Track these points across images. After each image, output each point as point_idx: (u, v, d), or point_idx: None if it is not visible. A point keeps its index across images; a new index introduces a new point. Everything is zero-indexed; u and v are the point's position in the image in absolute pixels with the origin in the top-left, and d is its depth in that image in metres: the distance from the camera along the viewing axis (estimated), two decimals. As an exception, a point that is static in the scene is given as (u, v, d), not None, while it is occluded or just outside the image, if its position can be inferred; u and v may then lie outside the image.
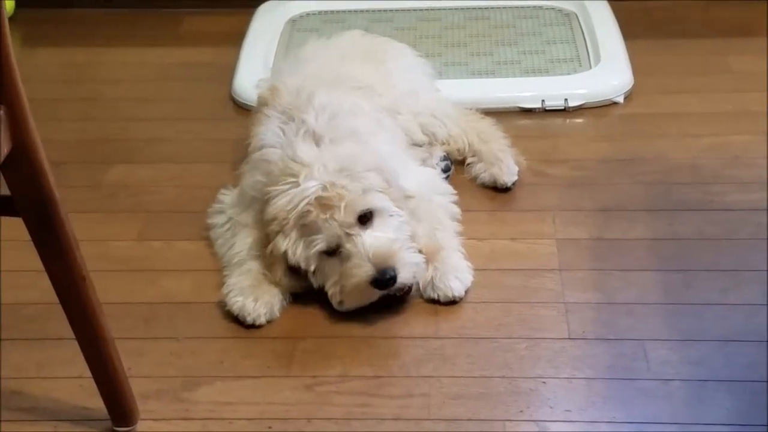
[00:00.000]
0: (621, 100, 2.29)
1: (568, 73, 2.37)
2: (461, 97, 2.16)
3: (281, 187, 1.66)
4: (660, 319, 1.64)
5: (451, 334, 1.63)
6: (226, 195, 1.88)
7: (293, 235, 1.64)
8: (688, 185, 1.98)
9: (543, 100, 2.26)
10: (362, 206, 1.64)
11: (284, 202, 1.64)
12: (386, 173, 1.71)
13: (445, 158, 2.01)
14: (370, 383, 1.54)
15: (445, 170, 1.98)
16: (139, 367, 1.56)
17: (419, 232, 1.72)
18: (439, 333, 1.64)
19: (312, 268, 1.65)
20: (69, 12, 2.84)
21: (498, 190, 1.98)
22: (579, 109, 2.27)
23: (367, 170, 1.68)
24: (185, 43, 2.67)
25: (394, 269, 1.61)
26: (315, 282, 1.68)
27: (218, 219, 1.85)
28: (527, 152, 2.10)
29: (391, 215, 1.68)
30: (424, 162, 1.97)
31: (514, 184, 1.98)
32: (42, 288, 1.41)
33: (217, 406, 1.51)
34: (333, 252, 1.64)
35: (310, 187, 1.63)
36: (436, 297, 1.68)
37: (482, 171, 2.00)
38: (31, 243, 1.27)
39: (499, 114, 2.19)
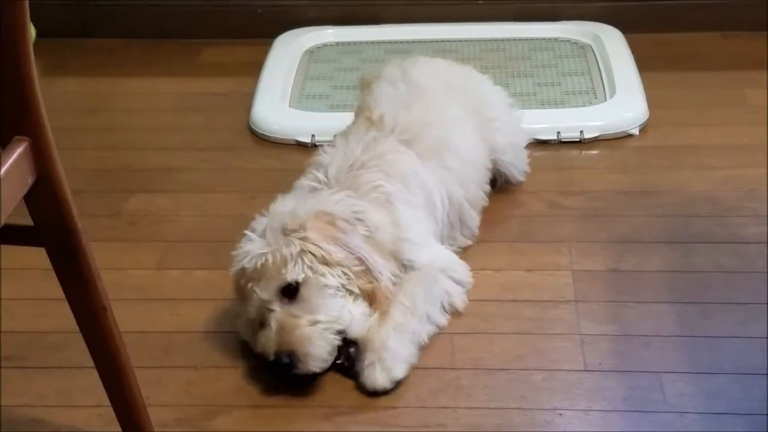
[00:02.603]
0: (636, 132, 2.30)
1: (584, 105, 2.39)
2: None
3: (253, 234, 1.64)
4: (676, 351, 1.64)
5: (467, 365, 1.64)
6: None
7: (236, 295, 1.65)
8: (705, 218, 1.98)
9: (558, 132, 2.27)
10: (284, 280, 1.57)
11: (239, 254, 1.62)
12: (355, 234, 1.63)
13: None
14: (386, 413, 1.54)
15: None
16: (157, 395, 1.57)
17: (356, 313, 1.60)
18: (455, 364, 1.64)
19: (241, 330, 1.66)
20: (88, 42, 2.87)
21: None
22: (594, 141, 2.28)
23: (310, 230, 1.59)
24: (203, 73, 2.70)
25: (291, 356, 1.53)
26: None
27: None
28: (543, 183, 2.12)
29: (326, 288, 1.58)
30: None
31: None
32: (63, 316, 1.41)
33: (234, 436, 1.52)
34: (259, 321, 1.60)
35: (254, 249, 1.59)
36: (362, 384, 1.57)
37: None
38: (53, 272, 1.28)
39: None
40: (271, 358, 1.56)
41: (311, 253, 1.59)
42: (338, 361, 1.59)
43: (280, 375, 1.56)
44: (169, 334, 1.72)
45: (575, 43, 2.66)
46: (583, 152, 2.26)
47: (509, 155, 2.04)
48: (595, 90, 2.44)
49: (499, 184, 2.08)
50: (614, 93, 2.39)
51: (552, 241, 1.94)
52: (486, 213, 2.00)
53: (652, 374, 1.59)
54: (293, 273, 1.57)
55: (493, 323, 1.72)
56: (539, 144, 2.27)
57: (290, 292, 1.58)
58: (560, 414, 1.53)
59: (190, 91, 2.61)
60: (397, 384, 1.57)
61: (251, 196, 2.10)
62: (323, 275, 1.59)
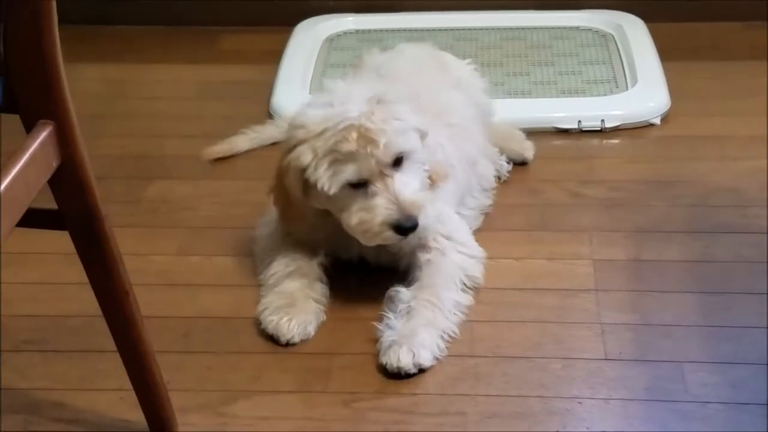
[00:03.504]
0: (658, 121, 2.29)
1: (605, 94, 2.38)
2: (497, 117, 2.16)
3: (314, 103, 1.64)
4: (698, 341, 1.63)
5: (486, 352, 1.63)
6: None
7: (320, 152, 1.59)
8: (726, 208, 1.97)
9: (579, 121, 2.26)
10: (401, 148, 1.61)
11: (319, 115, 1.61)
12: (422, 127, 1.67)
13: None
14: (406, 400, 1.54)
15: None
16: (178, 380, 1.57)
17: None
18: (474, 351, 1.64)
19: (332, 191, 1.60)
20: (109, 29, 2.88)
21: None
22: (615, 131, 2.27)
23: (404, 107, 1.63)
24: (223, 60, 2.70)
25: (416, 218, 1.60)
26: (331, 207, 1.65)
27: (263, 231, 1.85)
28: (563, 173, 2.11)
29: (420, 164, 1.65)
30: None
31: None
32: (85, 300, 1.42)
33: (254, 421, 1.52)
34: (358, 185, 1.61)
35: (352, 110, 1.60)
36: (384, 363, 1.58)
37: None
38: (75, 256, 1.29)
39: (535, 134, 2.20)
40: (392, 220, 1.59)
41: (417, 127, 1.64)
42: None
43: (400, 236, 1.62)
44: (190, 320, 1.73)
45: (596, 32, 2.65)
46: (604, 141, 2.25)
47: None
48: (617, 79, 2.43)
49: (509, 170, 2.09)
50: (636, 82, 2.38)
51: (573, 231, 1.93)
52: (506, 201, 2.01)
53: (673, 364, 1.58)
54: (408, 142, 1.62)
55: (513, 311, 1.72)
56: (560, 133, 2.26)
57: (398, 161, 1.61)
58: (580, 402, 1.52)
59: (209, 79, 2.61)
60: (419, 372, 1.57)
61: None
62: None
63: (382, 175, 1.60)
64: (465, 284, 1.73)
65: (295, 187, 1.65)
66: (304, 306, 1.69)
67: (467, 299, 1.71)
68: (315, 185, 1.62)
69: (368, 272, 1.80)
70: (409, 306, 1.65)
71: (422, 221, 1.61)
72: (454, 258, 1.74)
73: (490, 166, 2.02)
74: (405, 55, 2.03)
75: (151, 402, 1.42)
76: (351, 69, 2.09)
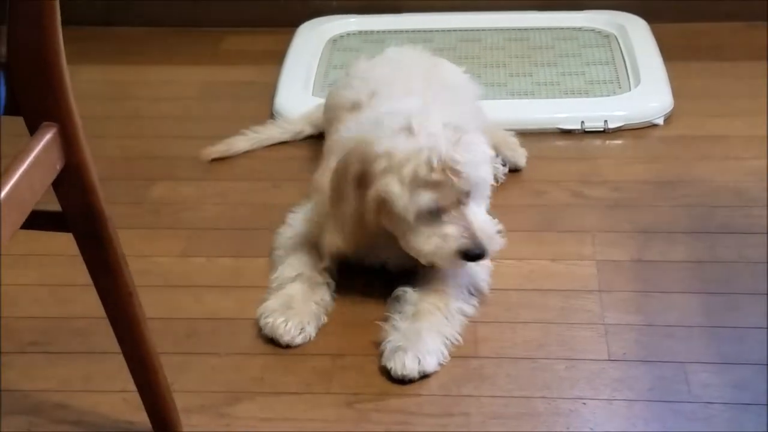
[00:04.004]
0: (661, 122, 2.29)
1: (608, 95, 2.37)
2: (500, 118, 2.17)
3: (388, 125, 1.65)
4: (701, 341, 1.63)
5: (490, 353, 1.63)
6: (295, 213, 1.88)
7: (406, 181, 1.61)
8: (730, 208, 1.97)
9: (582, 122, 2.26)
10: (479, 178, 1.64)
11: (404, 146, 1.62)
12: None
13: None
14: (409, 401, 1.55)
15: None
16: (181, 381, 1.57)
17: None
18: (478, 352, 1.64)
19: (410, 218, 1.62)
20: (111, 30, 2.88)
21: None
22: (618, 131, 2.27)
23: (480, 136, 1.67)
24: (226, 61, 2.70)
25: (487, 247, 1.63)
26: (398, 229, 1.66)
27: (284, 235, 1.84)
28: (566, 173, 2.11)
29: (486, 195, 1.70)
30: None
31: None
32: (88, 302, 1.43)
33: (257, 422, 1.52)
34: (431, 213, 1.63)
35: (439, 142, 1.61)
36: (389, 368, 1.58)
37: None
38: (79, 257, 1.29)
39: (538, 135, 2.21)
40: (464, 247, 1.62)
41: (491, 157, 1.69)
42: None
43: (466, 262, 1.65)
44: (194, 321, 1.73)
45: (599, 32, 2.65)
46: (607, 142, 2.25)
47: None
48: (620, 79, 2.43)
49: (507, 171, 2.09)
50: (639, 83, 2.38)
51: (576, 231, 1.93)
52: (508, 202, 2.00)
53: (676, 364, 1.58)
54: (486, 173, 1.66)
55: (516, 312, 1.72)
56: (563, 133, 2.26)
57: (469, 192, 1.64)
58: (584, 403, 1.52)
59: (212, 79, 2.61)
60: (422, 377, 1.57)
61: (274, 184, 2.11)
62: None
63: (458, 203, 1.63)
64: (471, 293, 1.73)
65: (371, 212, 1.66)
66: (302, 308, 1.69)
67: (472, 309, 1.71)
68: (391, 210, 1.63)
69: (371, 274, 1.80)
70: (416, 308, 1.65)
71: (490, 248, 1.64)
72: (466, 269, 1.73)
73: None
74: (392, 61, 2.05)
75: (154, 403, 1.42)
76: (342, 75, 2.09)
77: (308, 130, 2.25)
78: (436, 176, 1.60)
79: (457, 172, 1.61)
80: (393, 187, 1.61)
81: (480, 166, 1.65)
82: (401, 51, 2.13)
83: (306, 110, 2.29)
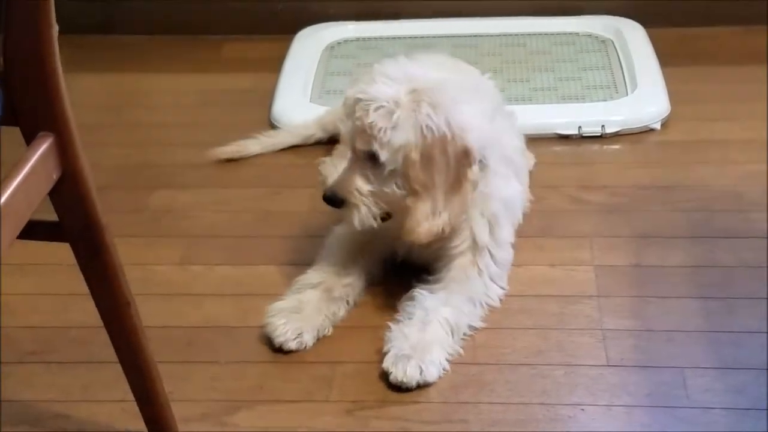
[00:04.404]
0: (658, 126, 2.29)
1: (605, 100, 2.38)
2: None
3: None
4: (700, 346, 1.63)
5: (489, 360, 1.64)
6: None
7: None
8: (728, 212, 1.97)
9: (580, 127, 2.27)
10: (389, 147, 1.61)
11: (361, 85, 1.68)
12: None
13: None
14: (409, 409, 1.55)
15: None
16: (180, 390, 1.57)
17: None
18: (477, 359, 1.64)
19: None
20: (110, 38, 2.88)
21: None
22: (616, 136, 2.27)
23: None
24: (225, 69, 2.71)
25: (338, 198, 1.66)
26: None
27: (334, 240, 1.83)
28: (564, 178, 2.12)
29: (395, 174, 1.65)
30: None
31: None
32: (87, 311, 1.42)
33: (257, 431, 1.52)
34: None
35: (384, 90, 1.63)
36: (388, 372, 1.57)
37: None
38: (77, 267, 1.29)
39: (535, 140, 2.20)
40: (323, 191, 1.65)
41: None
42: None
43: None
44: (193, 330, 1.73)
45: (596, 37, 2.65)
46: (605, 147, 2.25)
47: None
48: (617, 84, 2.43)
49: None
50: (636, 87, 2.38)
51: (574, 236, 1.93)
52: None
53: (675, 369, 1.58)
54: (404, 150, 1.60)
55: (515, 318, 1.72)
56: (560, 139, 2.26)
57: (374, 157, 1.62)
58: (582, 409, 1.52)
59: (211, 87, 2.62)
60: (418, 387, 1.57)
61: (273, 191, 2.11)
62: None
63: (355, 152, 1.66)
64: (482, 304, 1.72)
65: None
66: (309, 316, 1.68)
67: (480, 323, 1.70)
68: None
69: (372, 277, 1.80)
70: (427, 317, 1.65)
71: (335, 197, 1.65)
72: (486, 283, 1.73)
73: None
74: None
75: (153, 413, 1.42)
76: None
77: (319, 135, 2.25)
78: (354, 111, 1.62)
79: (364, 115, 1.60)
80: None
81: (398, 135, 1.59)
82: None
83: (318, 114, 2.29)
